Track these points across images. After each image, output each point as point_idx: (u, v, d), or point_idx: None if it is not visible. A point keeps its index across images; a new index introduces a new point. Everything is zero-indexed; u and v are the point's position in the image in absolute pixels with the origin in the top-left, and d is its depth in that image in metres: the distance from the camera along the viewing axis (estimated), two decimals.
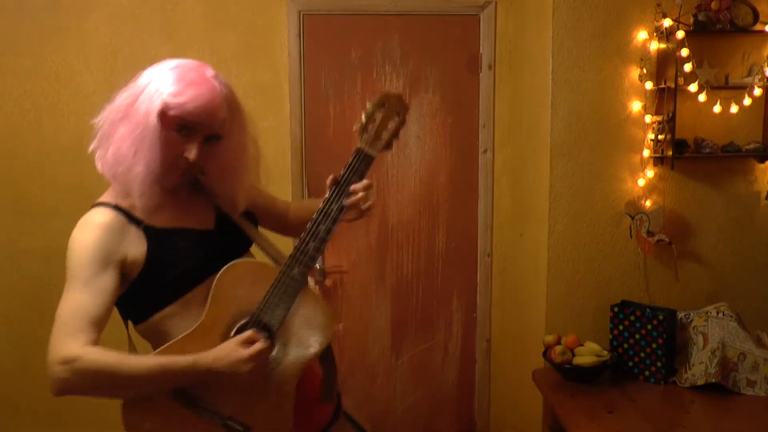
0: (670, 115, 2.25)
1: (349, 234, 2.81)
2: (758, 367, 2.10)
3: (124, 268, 1.33)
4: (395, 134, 1.44)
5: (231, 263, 1.37)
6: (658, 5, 2.26)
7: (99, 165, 1.37)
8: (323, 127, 2.72)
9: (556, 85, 2.30)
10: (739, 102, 2.28)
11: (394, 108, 1.43)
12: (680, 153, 2.29)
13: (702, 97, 2.25)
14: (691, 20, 2.23)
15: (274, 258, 1.50)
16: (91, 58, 2.58)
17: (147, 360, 1.28)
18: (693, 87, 2.23)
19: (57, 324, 1.25)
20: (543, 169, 2.38)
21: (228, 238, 1.47)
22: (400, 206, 2.82)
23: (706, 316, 2.23)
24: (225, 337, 1.35)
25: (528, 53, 2.57)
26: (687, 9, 2.24)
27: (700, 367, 2.13)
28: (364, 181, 1.40)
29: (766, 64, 2.28)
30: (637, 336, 2.22)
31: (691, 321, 2.25)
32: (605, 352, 2.19)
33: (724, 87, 2.29)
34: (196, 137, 1.34)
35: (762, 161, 2.39)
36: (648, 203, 2.35)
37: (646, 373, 2.21)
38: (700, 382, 2.11)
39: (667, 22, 2.23)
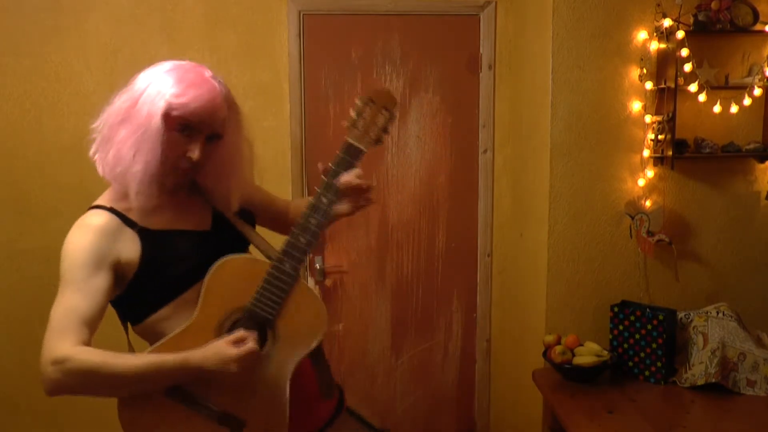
0: (670, 115, 2.25)
1: (349, 234, 2.81)
2: (758, 367, 2.10)
3: (118, 270, 1.34)
4: (384, 129, 1.44)
5: (222, 260, 1.38)
6: (658, 5, 2.26)
7: (100, 168, 1.38)
8: (323, 127, 2.72)
9: (556, 85, 2.30)
10: (739, 102, 2.28)
11: (383, 103, 1.44)
12: (680, 153, 2.30)
13: (702, 97, 2.25)
14: (691, 20, 2.23)
15: (271, 257, 1.50)
16: (91, 58, 2.58)
17: (138, 358, 1.30)
18: (693, 87, 2.23)
19: (50, 325, 1.27)
20: (543, 169, 2.38)
21: (225, 239, 1.47)
22: (400, 206, 2.82)
23: (706, 316, 2.23)
24: (218, 334, 1.36)
25: (528, 53, 2.57)
26: (687, 9, 2.24)
27: (700, 367, 2.14)
28: (356, 170, 1.40)
29: (766, 64, 2.28)
30: (637, 336, 2.22)
31: (691, 321, 2.26)
32: (605, 352, 2.19)
33: (724, 87, 2.29)
34: (198, 137, 1.36)
35: (762, 161, 2.39)
36: (648, 203, 2.35)
37: (646, 373, 2.21)
38: (700, 382, 2.11)
39: (667, 22, 2.23)
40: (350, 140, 1.42)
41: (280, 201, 1.72)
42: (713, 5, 2.22)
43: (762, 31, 2.28)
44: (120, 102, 1.35)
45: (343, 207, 1.44)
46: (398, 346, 2.90)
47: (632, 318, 2.23)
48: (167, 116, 1.31)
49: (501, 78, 2.77)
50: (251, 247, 1.53)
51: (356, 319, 2.86)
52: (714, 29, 2.24)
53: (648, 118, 2.30)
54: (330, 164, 1.41)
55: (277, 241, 1.56)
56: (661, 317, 2.18)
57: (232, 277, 1.38)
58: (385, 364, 2.91)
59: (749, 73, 2.33)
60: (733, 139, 2.35)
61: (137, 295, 1.37)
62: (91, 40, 2.58)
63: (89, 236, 1.32)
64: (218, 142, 1.40)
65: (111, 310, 1.41)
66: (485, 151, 2.82)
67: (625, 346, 2.26)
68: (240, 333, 1.33)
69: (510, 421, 2.84)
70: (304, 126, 2.71)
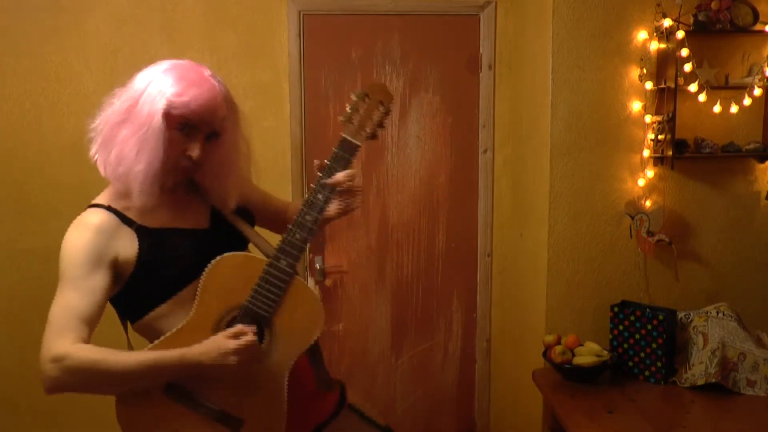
0: (670, 115, 2.25)
1: (349, 234, 2.81)
2: (758, 367, 2.10)
3: (116, 268, 1.35)
4: (379, 124, 1.44)
5: (218, 257, 1.38)
6: (658, 5, 2.26)
7: (102, 168, 1.38)
8: (323, 127, 2.72)
9: (556, 85, 2.30)
10: (739, 102, 2.28)
11: (378, 98, 1.44)
12: (680, 153, 2.30)
13: (702, 97, 2.25)
14: (691, 20, 2.24)
15: (268, 255, 1.50)
16: (91, 58, 2.58)
17: (136, 356, 1.31)
18: (693, 87, 2.23)
19: (49, 323, 1.28)
20: (543, 169, 2.38)
21: (223, 237, 1.47)
22: (400, 206, 2.82)
23: (706, 316, 2.23)
24: (216, 331, 1.36)
25: (528, 53, 2.57)
26: (687, 9, 2.24)
27: (700, 367, 2.13)
28: (348, 170, 1.40)
29: (766, 64, 2.28)
30: (637, 336, 2.22)
31: (691, 321, 2.26)
32: (605, 352, 2.19)
33: (724, 87, 2.29)
34: (198, 136, 1.36)
35: (762, 161, 2.39)
36: (648, 203, 2.35)
37: (646, 373, 2.21)
38: (700, 382, 2.11)
39: (667, 22, 2.23)
40: (345, 135, 1.42)
41: (279, 201, 1.73)
42: (713, 5, 2.22)
43: (762, 31, 2.28)
44: (120, 102, 1.36)
45: (331, 208, 1.43)
46: (398, 346, 2.90)
47: (632, 318, 2.23)
48: (168, 115, 1.32)
49: (501, 78, 2.77)
50: (250, 246, 1.53)
51: (356, 319, 2.86)
52: (714, 29, 2.24)
53: (648, 118, 2.30)
54: (326, 161, 1.41)
55: (274, 239, 1.56)
56: (661, 317, 2.18)
57: (229, 275, 1.38)
58: (385, 364, 2.91)
59: (749, 73, 2.33)
60: (733, 139, 2.35)
61: (135, 293, 1.38)
62: (91, 40, 2.58)
63: (87, 235, 1.33)
64: (217, 140, 1.40)
65: (110, 309, 1.41)
66: (485, 151, 2.82)
67: (625, 346, 2.26)
68: (238, 327, 1.33)
69: (510, 421, 2.84)
70: (304, 126, 2.71)
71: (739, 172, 2.41)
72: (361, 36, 2.71)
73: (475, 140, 2.82)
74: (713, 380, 2.09)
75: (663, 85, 2.27)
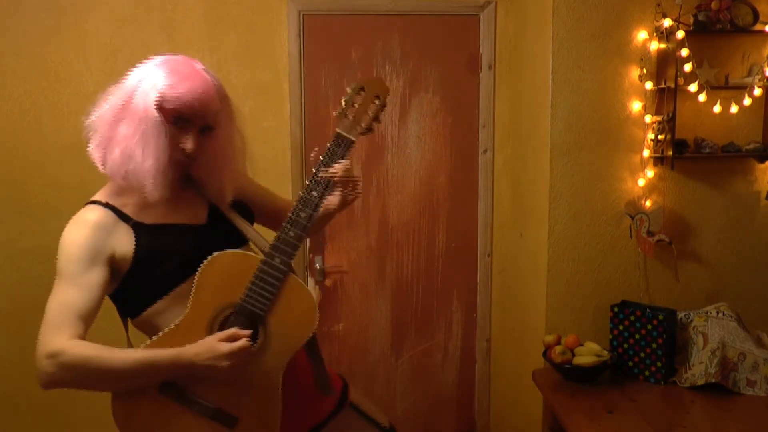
0: (670, 115, 2.25)
1: (349, 234, 2.81)
2: (758, 367, 2.10)
3: (114, 265, 1.36)
4: (375, 118, 1.44)
5: (213, 255, 1.38)
6: (658, 5, 2.26)
7: (103, 167, 1.38)
8: (323, 127, 2.72)
9: (556, 85, 2.30)
10: (739, 102, 2.28)
11: (374, 92, 1.43)
12: (680, 153, 2.30)
13: (702, 97, 2.25)
14: (691, 20, 2.24)
15: (264, 253, 1.50)
16: (91, 58, 2.58)
17: (131, 353, 1.31)
18: (693, 87, 2.23)
19: (45, 319, 1.29)
20: (543, 169, 2.38)
21: (220, 233, 1.47)
22: (400, 206, 2.82)
23: (706, 316, 2.23)
24: (210, 329, 1.37)
25: (528, 53, 2.57)
26: (687, 9, 2.24)
27: (700, 367, 2.13)
28: (343, 162, 1.40)
29: (766, 64, 2.28)
30: (637, 336, 2.22)
31: (691, 321, 2.25)
32: (605, 352, 2.19)
33: (724, 87, 2.29)
34: (191, 129, 1.36)
35: (762, 161, 2.39)
36: (648, 203, 2.35)
37: (646, 373, 2.21)
38: (700, 382, 2.11)
39: (667, 22, 2.23)
40: (339, 131, 1.41)
41: (280, 199, 1.72)
42: (713, 5, 2.22)
43: (762, 31, 2.28)
44: (114, 98, 1.36)
45: (331, 200, 1.44)
46: (398, 346, 2.90)
47: (632, 318, 2.23)
48: (161, 108, 1.32)
49: (501, 78, 2.77)
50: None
51: (356, 319, 2.86)
52: (714, 29, 2.24)
53: (648, 118, 2.30)
54: (321, 156, 1.41)
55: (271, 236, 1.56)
56: (661, 317, 2.18)
57: (223, 273, 1.38)
58: (385, 364, 2.91)
59: (749, 73, 2.33)
60: (733, 139, 2.35)
61: (133, 289, 1.39)
62: (91, 40, 2.58)
63: (84, 231, 1.34)
64: (211, 134, 1.40)
65: (109, 306, 1.42)
66: (485, 151, 2.82)
67: (625, 346, 2.26)
68: (232, 330, 1.33)
69: (510, 421, 2.84)
70: (304, 126, 2.71)
71: (739, 172, 2.41)
72: (361, 36, 2.71)
73: (475, 140, 2.82)
74: (713, 380, 2.09)
75: (663, 85, 2.27)
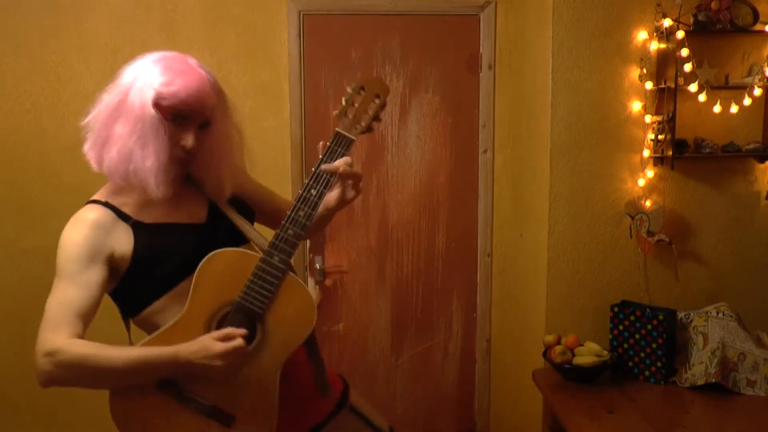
0: (670, 115, 2.25)
1: (349, 234, 2.81)
2: (758, 367, 2.10)
3: (112, 264, 1.36)
4: (375, 117, 1.43)
5: (211, 253, 1.38)
6: (658, 5, 2.26)
7: (100, 167, 1.38)
8: (323, 127, 2.72)
9: (556, 85, 2.30)
10: (739, 102, 2.28)
11: (375, 91, 1.43)
12: (680, 153, 2.29)
13: (702, 97, 2.25)
14: (691, 20, 2.23)
15: (262, 251, 1.50)
16: (91, 58, 2.58)
17: (128, 351, 1.31)
18: (693, 87, 2.23)
19: (44, 317, 1.29)
20: (543, 169, 2.38)
21: (220, 232, 1.47)
22: (400, 206, 2.82)
23: (706, 316, 2.23)
24: (208, 327, 1.37)
25: (528, 53, 2.57)
26: (687, 9, 2.24)
27: (700, 367, 2.13)
28: (344, 158, 1.39)
29: (766, 64, 2.28)
30: (637, 336, 2.22)
31: (691, 321, 2.25)
32: (605, 352, 2.19)
33: (724, 87, 2.29)
34: (190, 126, 1.36)
35: (762, 161, 2.39)
36: (648, 203, 2.35)
37: (646, 373, 2.21)
38: (700, 382, 2.11)
39: (667, 22, 2.23)
40: (339, 130, 1.41)
41: (280, 199, 1.71)
42: (713, 5, 2.22)
43: (762, 31, 2.28)
44: (110, 97, 1.36)
45: (330, 198, 1.43)
46: (398, 346, 2.90)
47: (632, 318, 2.23)
48: (158, 106, 1.32)
49: (501, 78, 2.77)
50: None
51: (356, 319, 2.86)
52: (714, 29, 2.24)
53: (648, 118, 2.30)
54: (320, 155, 1.40)
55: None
56: (661, 317, 2.18)
57: (221, 271, 1.38)
58: (385, 364, 2.91)
59: (749, 73, 2.33)
60: (733, 139, 2.35)
61: (132, 288, 1.39)
62: (91, 40, 2.58)
63: (83, 230, 1.34)
64: (209, 129, 1.40)
65: (109, 306, 1.42)
66: (485, 151, 2.82)
67: (625, 346, 2.26)
68: (228, 330, 1.33)
69: (510, 421, 2.84)
70: (304, 126, 2.71)
71: (739, 172, 2.41)
72: (361, 36, 2.71)
73: (475, 140, 2.82)
74: (713, 380, 2.09)
75: (663, 85, 2.27)
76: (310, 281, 2.79)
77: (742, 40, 2.34)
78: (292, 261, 1.40)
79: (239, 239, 1.49)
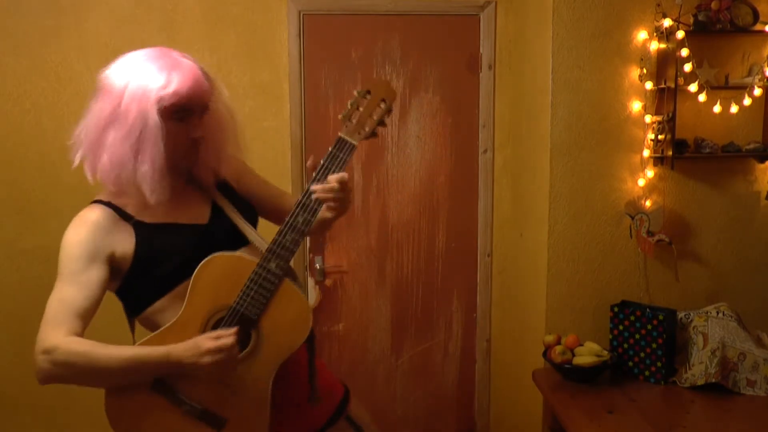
0: (670, 115, 2.25)
1: (349, 234, 2.81)
2: (758, 367, 2.10)
3: (113, 263, 1.37)
4: (380, 122, 1.42)
5: (209, 256, 1.38)
6: (658, 5, 2.26)
7: (93, 174, 1.38)
8: (323, 127, 2.72)
9: (556, 85, 2.30)
10: (739, 102, 2.28)
11: (380, 95, 1.42)
12: (680, 153, 2.29)
13: (702, 97, 2.25)
14: (691, 20, 2.23)
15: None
16: (91, 58, 2.58)
17: (123, 351, 1.32)
18: (693, 87, 2.23)
19: (44, 316, 1.31)
20: (543, 169, 2.38)
21: (222, 233, 1.47)
22: (400, 206, 2.82)
23: (706, 316, 2.23)
24: (203, 330, 1.37)
25: (528, 53, 2.57)
26: (687, 9, 2.24)
27: (700, 367, 2.13)
28: (339, 174, 1.38)
29: (766, 64, 2.28)
30: (637, 336, 2.22)
31: (691, 321, 2.25)
32: (605, 352, 2.19)
33: (724, 87, 2.29)
34: (193, 116, 1.37)
35: (762, 161, 2.39)
36: (648, 203, 2.35)
37: (646, 373, 2.21)
38: (700, 382, 2.11)
39: (667, 22, 2.23)
40: (342, 135, 1.40)
41: (286, 198, 1.69)
42: (713, 5, 2.22)
43: (762, 31, 2.28)
44: (100, 105, 1.35)
45: (329, 208, 1.41)
46: (398, 346, 2.90)
47: (632, 318, 2.23)
48: (161, 109, 1.32)
49: (501, 78, 2.77)
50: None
51: (356, 319, 2.86)
52: (714, 29, 2.24)
53: (648, 118, 2.30)
54: (321, 160, 1.40)
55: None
56: (661, 317, 2.18)
57: (218, 275, 1.38)
58: (385, 364, 2.91)
59: (749, 73, 2.33)
60: (733, 139, 2.35)
61: (133, 287, 1.40)
62: (91, 40, 2.58)
63: (84, 230, 1.35)
64: (207, 113, 1.41)
65: (109, 306, 1.42)
66: (485, 151, 2.82)
67: (625, 346, 2.26)
68: (219, 331, 1.33)
69: (510, 421, 2.84)
70: (304, 126, 2.71)
71: (739, 172, 2.41)
72: (361, 36, 2.71)
73: (475, 140, 2.82)
74: (713, 380, 2.09)
75: (663, 85, 2.27)
76: (310, 281, 2.79)
77: (742, 40, 2.34)
78: (291, 262, 1.40)
79: (240, 241, 1.49)
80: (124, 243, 1.37)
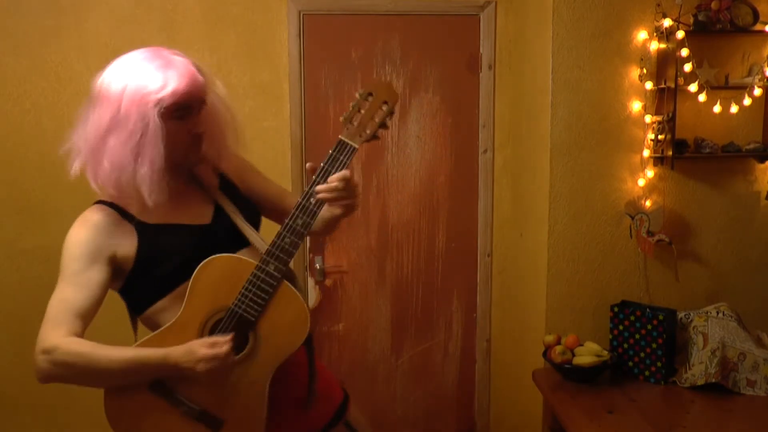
0: (670, 115, 2.25)
1: (349, 234, 2.81)
2: (758, 367, 2.10)
3: (115, 264, 1.37)
4: (382, 124, 1.41)
5: (209, 258, 1.38)
6: (658, 5, 2.26)
7: (94, 180, 1.37)
8: (323, 127, 2.72)
9: (556, 85, 2.30)
10: (739, 102, 2.28)
11: (383, 97, 1.41)
12: (680, 153, 2.29)
13: (702, 97, 2.25)
14: (691, 20, 2.23)
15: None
16: (91, 58, 2.58)
17: (122, 352, 1.32)
18: (693, 87, 2.23)
19: (45, 315, 1.31)
20: (543, 169, 2.38)
21: (223, 234, 1.47)
22: (400, 206, 2.82)
23: (706, 316, 2.23)
24: (201, 332, 1.37)
25: (528, 53, 2.57)
26: (687, 9, 2.24)
27: (700, 367, 2.13)
28: (341, 172, 1.37)
29: (766, 64, 2.28)
30: (637, 336, 2.22)
31: (691, 321, 2.25)
32: (605, 352, 2.19)
33: (724, 87, 2.29)
34: (192, 113, 1.37)
35: (762, 161, 2.39)
36: (648, 203, 2.35)
37: (646, 373, 2.21)
38: (700, 382, 2.11)
39: (667, 22, 2.23)
40: (342, 137, 1.40)
41: (289, 198, 1.68)
42: (713, 5, 2.22)
43: (762, 31, 2.28)
44: (97, 111, 1.34)
45: (331, 209, 1.41)
46: (398, 346, 2.90)
47: (632, 318, 2.23)
48: (165, 112, 1.31)
49: (501, 78, 2.77)
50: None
51: (356, 319, 2.86)
52: (714, 29, 2.24)
53: (648, 118, 2.30)
54: (321, 163, 1.39)
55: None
56: (661, 317, 2.18)
57: (217, 277, 1.38)
58: (385, 364, 2.91)
59: (749, 73, 2.33)
60: (733, 139, 2.35)
61: (136, 287, 1.41)
62: (91, 40, 2.57)
63: (86, 231, 1.36)
64: (204, 108, 1.41)
65: (110, 305, 1.42)
66: (485, 151, 2.82)
67: (625, 346, 2.26)
68: (215, 338, 1.33)
69: (510, 421, 2.84)
70: (304, 126, 2.71)
71: (739, 172, 2.41)
72: (361, 36, 2.71)
73: (475, 140, 2.82)
74: (713, 380, 2.09)
75: (663, 85, 2.27)
76: (310, 281, 2.79)
77: (742, 40, 2.34)
78: (291, 263, 1.40)
79: (241, 242, 1.49)
80: (127, 243, 1.37)
